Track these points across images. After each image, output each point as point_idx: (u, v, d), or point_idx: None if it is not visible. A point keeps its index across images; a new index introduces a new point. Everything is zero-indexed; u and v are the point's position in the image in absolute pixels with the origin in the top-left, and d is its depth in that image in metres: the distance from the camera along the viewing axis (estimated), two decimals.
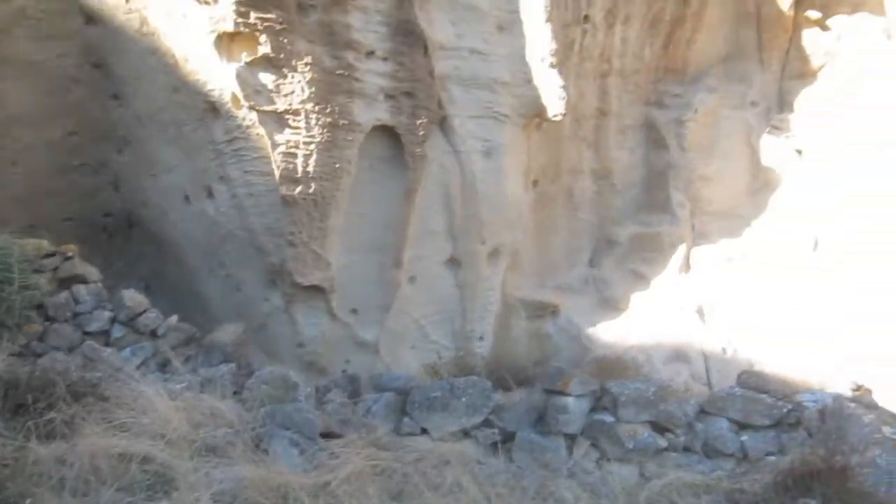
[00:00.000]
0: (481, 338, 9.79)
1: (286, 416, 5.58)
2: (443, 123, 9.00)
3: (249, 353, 7.93)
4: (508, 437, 6.22)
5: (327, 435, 5.66)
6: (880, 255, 11.93)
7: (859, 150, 12.19)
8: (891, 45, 14.58)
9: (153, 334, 7.12)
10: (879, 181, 11.74)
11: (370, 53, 8.21)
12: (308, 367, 8.78)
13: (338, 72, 7.94)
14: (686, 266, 11.48)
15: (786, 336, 11.26)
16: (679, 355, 10.27)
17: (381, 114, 8.42)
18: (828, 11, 14.36)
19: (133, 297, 7.14)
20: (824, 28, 14.35)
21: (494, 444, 6.11)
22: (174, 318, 7.36)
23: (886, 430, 6.73)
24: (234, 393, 6.12)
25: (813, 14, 14.03)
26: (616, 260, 11.40)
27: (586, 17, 10.89)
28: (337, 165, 8.12)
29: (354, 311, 9.12)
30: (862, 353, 10.72)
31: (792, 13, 13.58)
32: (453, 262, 9.45)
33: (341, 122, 8.03)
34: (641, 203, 12.10)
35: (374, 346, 9.16)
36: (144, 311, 7.11)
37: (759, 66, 13.67)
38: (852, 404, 7.34)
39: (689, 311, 10.80)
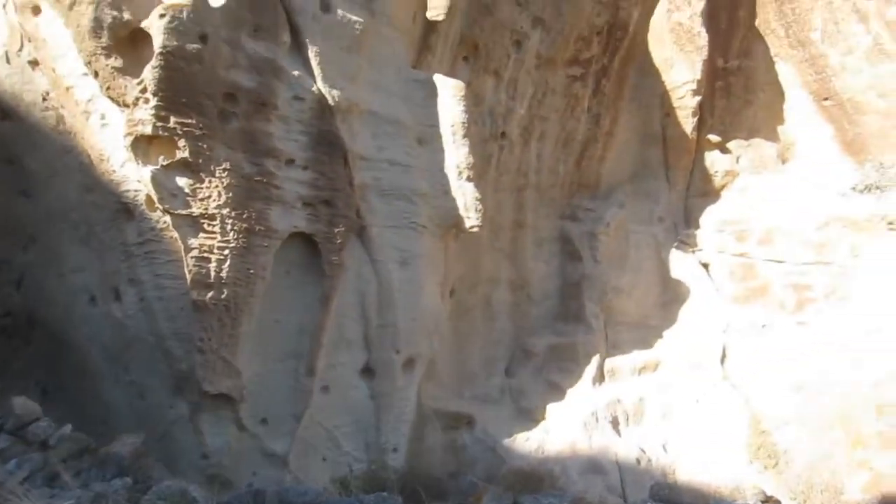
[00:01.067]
0: (395, 449, 9.56)
1: None
2: (361, 232, 9.08)
3: (149, 465, 7.49)
4: None
5: None
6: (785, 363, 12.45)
7: None
8: (785, 168, 15.68)
9: (43, 445, 6.67)
10: None
11: (290, 161, 8.31)
12: (211, 481, 8.32)
13: (256, 178, 7.98)
14: (600, 376, 11.64)
15: (698, 444, 11.43)
16: (594, 466, 10.24)
17: (298, 221, 8.44)
18: (727, 135, 15.45)
19: (24, 405, 6.73)
20: (724, 150, 15.37)
21: None
22: (68, 428, 6.93)
23: None
24: None
25: (714, 137, 15.06)
26: (532, 370, 11.48)
27: (503, 134, 11.39)
28: (251, 271, 8.03)
29: (264, 420, 8.80)
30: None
31: (695, 136, 14.53)
32: (368, 372, 9.32)
33: (258, 227, 8.00)
34: (557, 313, 12.36)
35: (284, 458, 8.80)
36: (35, 420, 6.69)
37: (666, 184, 14.45)
38: None
39: (604, 421, 10.86)
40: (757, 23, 15.99)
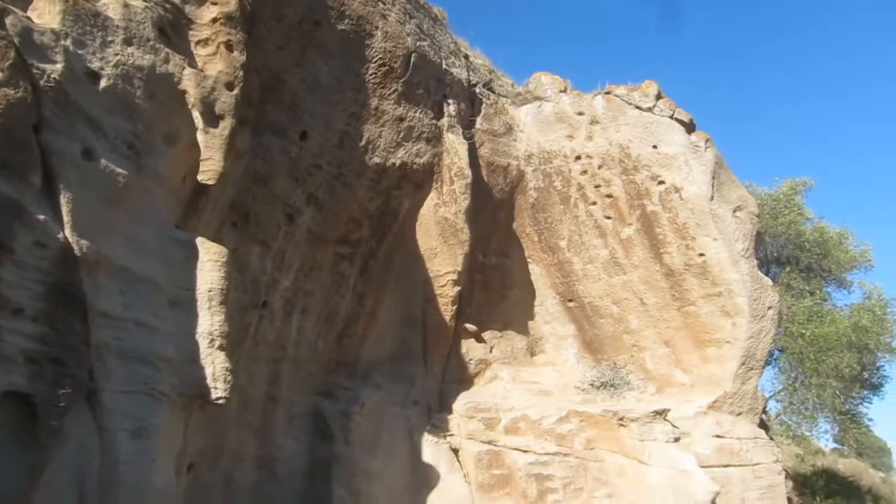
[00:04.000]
0: None
1: None
2: (90, 397, 8.19)
3: None
4: None
5: None
6: None
7: None
8: (533, 361, 16.73)
9: None
10: None
11: (17, 311, 7.46)
12: None
13: None
14: None
15: None
16: None
17: (16, 378, 7.45)
18: (483, 326, 16.37)
19: None
20: (480, 340, 16.21)
21: None
22: None
23: None
24: None
25: (470, 326, 15.88)
26: None
27: (265, 304, 11.17)
28: None
29: None
30: None
31: (453, 324, 15.21)
32: None
33: None
34: (304, 496, 11.75)
35: None
36: None
37: (424, 368, 14.80)
38: None
39: None
40: (515, 226, 17.64)
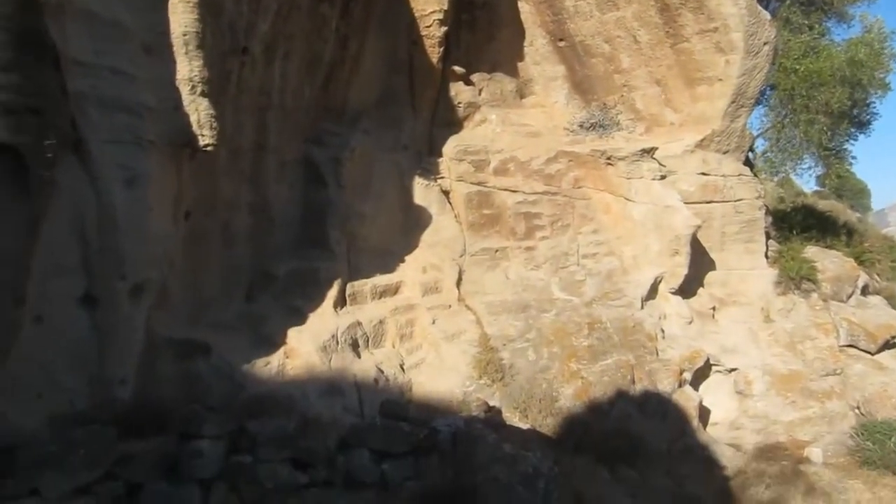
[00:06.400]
0: (122, 381, 8.94)
1: None
2: (78, 147, 8.16)
3: None
4: (135, 490, 5.71)
5: None
6: (513, 285, 13.40)
7: None
8: (522, 104, 16.57)
9: None
10: None
11: None
12: None
13: None
14: (342, 300, 11.73)
15: (433, 363, 12.05)
16: (333, 388, 10.36)
17: None
18: (471, 68, 15.97)
19: None
20: (468, 83, 15.89)
21: (118, 500, 5.56)
22: None
23: (507, 447, 7.43)
24: None
25: (458, 69, 15.48)
26: (273, 295, 11.26)
27: (245, 50, 10.76)
28: None
29: None
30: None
31: (440, 66, 14.82)
32: (89, 301, 8.54)
33: None
34: (300, 239, 12.18)
35: None
36: None
37: (412, 113, 14.67)
38: (480, 426, 8.01)
39: (344, 344, 11.01)
40: None
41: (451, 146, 14.81)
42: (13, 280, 7.88)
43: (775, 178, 28.47)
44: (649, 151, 15.27)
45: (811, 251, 16.93)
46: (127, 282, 8.63)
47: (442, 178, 14.51)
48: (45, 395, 8.41)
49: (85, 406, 8.13)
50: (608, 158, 15.18)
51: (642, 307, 14.00)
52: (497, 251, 14.23)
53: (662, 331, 13.72)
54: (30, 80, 7.60)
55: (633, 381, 12.18)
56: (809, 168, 23.66)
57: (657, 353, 13.06)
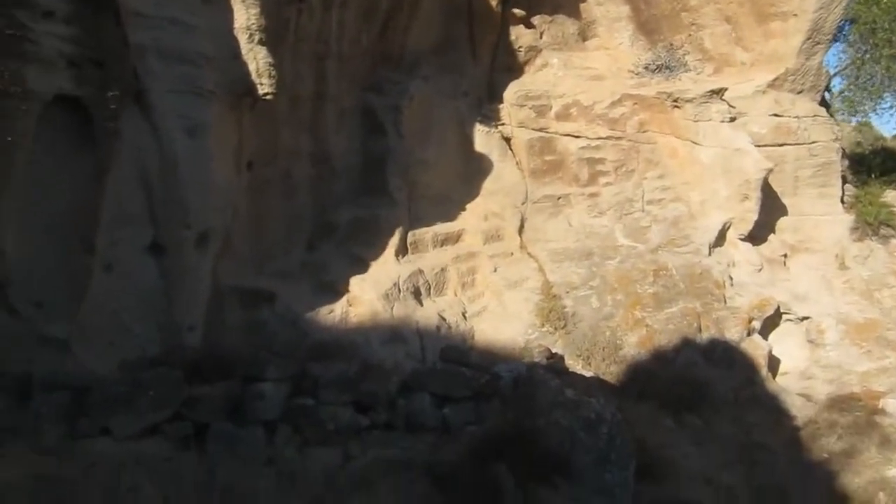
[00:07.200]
0: (191, 328, 9.20)
1: None
2: (139, 98, 8.28)
3: None
4: (201, 431, 5.87)
5: None
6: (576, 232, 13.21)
7: None
8: (585, 46, 16.09)
9: None
10: None
11: (48, 14, 7.30)
12: None
13: (7, 31, 6.97)
14: (403, 248, 11.75)
15: (495, 311, 12.03)
16: (396, 336, 10.47)
17: (63, 83, 7.52)
18: (531, 10, 15.50)
19: None
20: (529, 25, 15.46)
21: (186, 440, 5.73)
22: None
23: (569, 392, 7.36)
24: None
25: (518, 11, 15.05)
26: (335, 244, 11.36)
27: None
28: (8, 139, 7.13)
29: (38, 304, 8.08)
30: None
31: (500, 10, 14.45)
32: (156, 249, 8.75)
33: (13, 89, 7.05)
34: (360, 187, 12.20)
35: (64, 342, 8.20)
36: None
37: (471, 59, 14.40)
38: (542, 371, 7.95)
39: (406, 292, 11.06)
40: None
41: (511, 91, 14.52)
42: (83, 229, 8.13)
43: (853, 120, 27.08)
44: (718, 92, 14.66)
45: (891, 195, 16.11)
46: (192, 231, 8.80)
47: (503, 124, 14.26)
48: (116, 343, 8.71)
49: (155, 353, 8.38)
50: (675, 101, 14.64)
51: (710, 254, 13.60)
52: (559, 198, 14.00)
53: (731, 278, 13.32)
54: (91, 32, 7.72)
55: (700, 330, 11.92)
56: (891, 107, 22.36)
57: (725, 301, 12.71)
